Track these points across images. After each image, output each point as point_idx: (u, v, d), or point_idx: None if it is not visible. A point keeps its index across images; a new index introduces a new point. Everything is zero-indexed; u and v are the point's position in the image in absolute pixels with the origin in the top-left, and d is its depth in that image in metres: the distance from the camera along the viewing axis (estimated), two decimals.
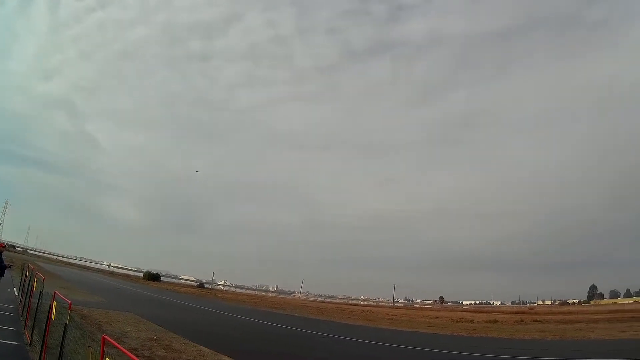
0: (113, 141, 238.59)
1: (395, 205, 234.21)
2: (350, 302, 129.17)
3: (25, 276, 16.79)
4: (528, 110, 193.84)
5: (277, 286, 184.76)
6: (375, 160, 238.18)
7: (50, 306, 7.83)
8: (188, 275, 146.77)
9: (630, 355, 15.64)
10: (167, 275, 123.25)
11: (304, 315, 38.53)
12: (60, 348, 6.40)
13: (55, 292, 8.23)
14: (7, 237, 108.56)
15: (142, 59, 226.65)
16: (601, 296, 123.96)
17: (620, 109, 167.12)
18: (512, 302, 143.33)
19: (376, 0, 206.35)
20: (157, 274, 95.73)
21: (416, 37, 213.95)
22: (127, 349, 7.97)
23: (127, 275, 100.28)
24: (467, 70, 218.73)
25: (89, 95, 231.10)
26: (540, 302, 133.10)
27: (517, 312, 63.67)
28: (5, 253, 16.44)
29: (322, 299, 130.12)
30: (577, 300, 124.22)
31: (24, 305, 13.51)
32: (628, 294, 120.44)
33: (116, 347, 4.28)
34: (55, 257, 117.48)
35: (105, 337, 4.48)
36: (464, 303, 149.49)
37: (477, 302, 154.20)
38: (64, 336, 6.38)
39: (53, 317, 7.68)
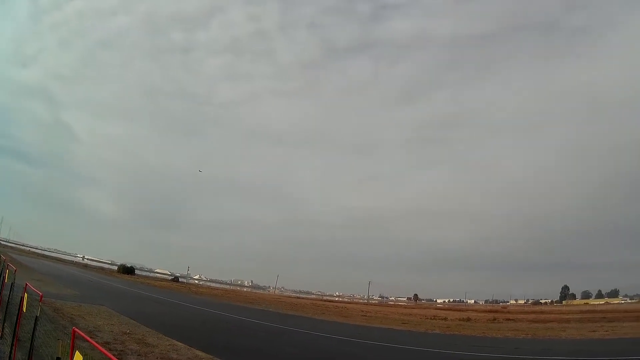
0: (90, 132, 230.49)
1: (374, 203, 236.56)
2: (325, 298, 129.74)
3: None
4: (509, 112, 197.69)
5: (252, 281, 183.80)
6: (356, 159, 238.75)
7: (22, 298, 7.80)
8: (163, 269, 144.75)
9: (599, 355, 15.98)
10: (141, 269, 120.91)
11: (277, 311, 38.71)
12: (31, 341, 6.40)
13: (26, 284, 8.25)
14: None
15: (123, 49, 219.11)
16: (573, 297, 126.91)
17: (601, 113, 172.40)
18: (486, 301, 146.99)
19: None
20: (131, 267, 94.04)
21: (400, 37, 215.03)
22: (99, 343, 8.12)
23: (101, 268, 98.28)
24: (451, 71, 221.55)
25: (67, 85, 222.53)
26: (513, 302, 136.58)
27: (490, 311, 63.92)
28: None
29: (297, 295, 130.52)
30: (550, 300, 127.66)
31: None
32: (599, 295, 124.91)
33: (88, 342, 4.31)
34: (28, 248, 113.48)
35: (76, 329, 4.44)
36: (438, 301, 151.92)
37: (451, 300, 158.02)
38: (34, 329, 6.38)
39: (24, 310, 7.68)
